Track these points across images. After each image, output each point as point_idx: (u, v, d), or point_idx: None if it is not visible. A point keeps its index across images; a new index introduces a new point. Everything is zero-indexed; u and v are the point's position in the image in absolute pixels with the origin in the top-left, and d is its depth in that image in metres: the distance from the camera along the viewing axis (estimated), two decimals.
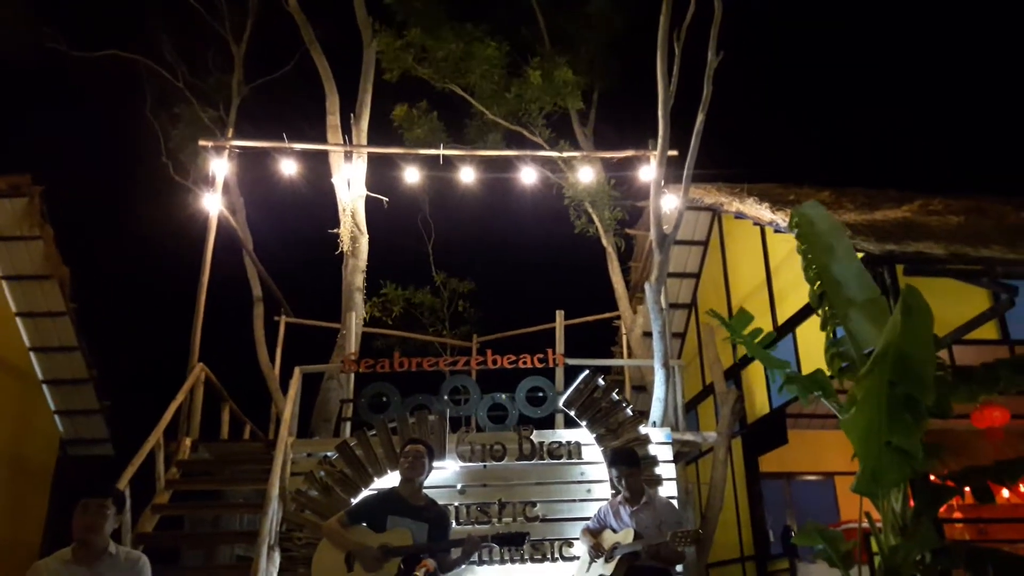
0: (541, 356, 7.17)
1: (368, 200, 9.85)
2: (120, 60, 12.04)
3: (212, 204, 8.53)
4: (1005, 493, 9.99)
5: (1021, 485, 10.28)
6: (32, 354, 9.95)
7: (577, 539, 5.87)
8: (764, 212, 7.83)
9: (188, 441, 7.12)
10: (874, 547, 5.36)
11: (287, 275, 11.36)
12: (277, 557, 5.67)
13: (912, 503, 4.73)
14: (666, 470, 6.49)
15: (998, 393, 4.76)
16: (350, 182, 9.62)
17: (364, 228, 9.60)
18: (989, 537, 8.81)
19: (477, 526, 6.16)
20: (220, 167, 8.71)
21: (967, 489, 5.01)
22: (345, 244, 9.40)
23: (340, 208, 9.50)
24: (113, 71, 12.28)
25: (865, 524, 4.67)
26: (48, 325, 9.81)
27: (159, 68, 11.81)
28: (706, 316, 11.06)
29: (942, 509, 9.30)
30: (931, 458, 4.61)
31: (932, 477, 5.36)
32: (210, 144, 8.77)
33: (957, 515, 9.12)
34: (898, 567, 4.48)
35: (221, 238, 9.00)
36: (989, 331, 7.06)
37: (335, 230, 9.48)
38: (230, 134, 9.02)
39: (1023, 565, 3.66)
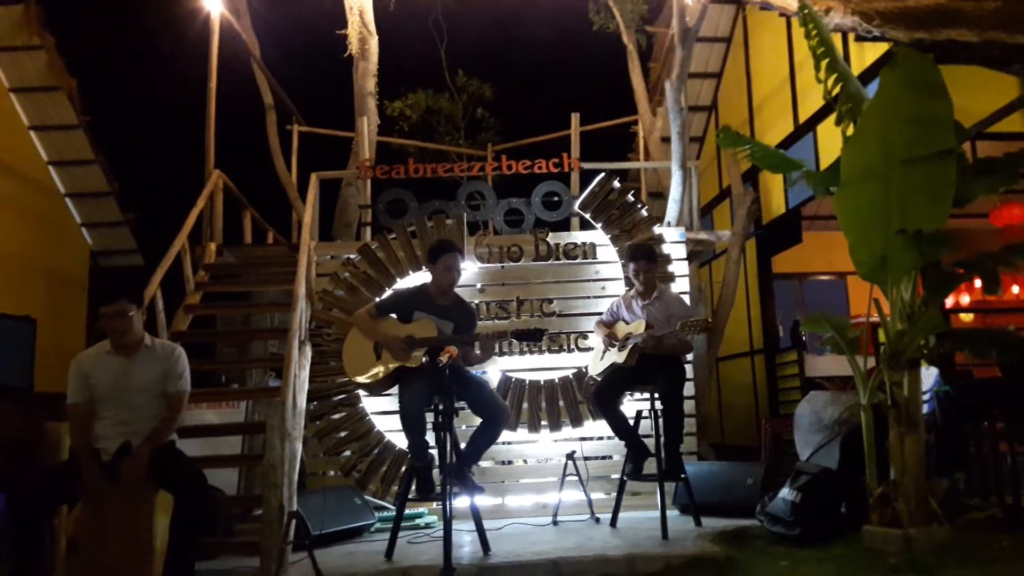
0: (556, 161, 7.15)
1: (376, 3, 9.39)
2: None
3: (213, 4, 8.20)
4: (1015, 289, 10.13)
5: None
6: (51, 168, 10.02)
7: (592, 332, 6.11)
8: (791, 0, 7.42)
9: (213, 246, 7.30)
10: (881, 338, 5.51)
11: (296, 83, 11.05)
12: (309, 351, 5.96)
13: (921, 292, 4.81)
14: (679, 268, 6.62)
15: (1018, 184, 4.69)
16: None
17: (373, 29, 9.20)
18: None
19: (497, 321, 6.42)
20: None
21: (978, 286, 5.06)
22: (353, 46, 9.05)
23: (347, 7, 9.08)
24: None
25: (874, 314, 4.78)
26: (62, 138, 9.80)
27: None
28: (723, 128, 10.80)
29: (951, 303, 9.54)
30: (944, 247, 4.63)
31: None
32: None
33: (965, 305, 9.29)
34: (903, 351, 4.63)
35: (227, 45, 8.72)
36: (1016, 124, 6.87)
37: (343, 31, 9.13)
38: None
39: None
